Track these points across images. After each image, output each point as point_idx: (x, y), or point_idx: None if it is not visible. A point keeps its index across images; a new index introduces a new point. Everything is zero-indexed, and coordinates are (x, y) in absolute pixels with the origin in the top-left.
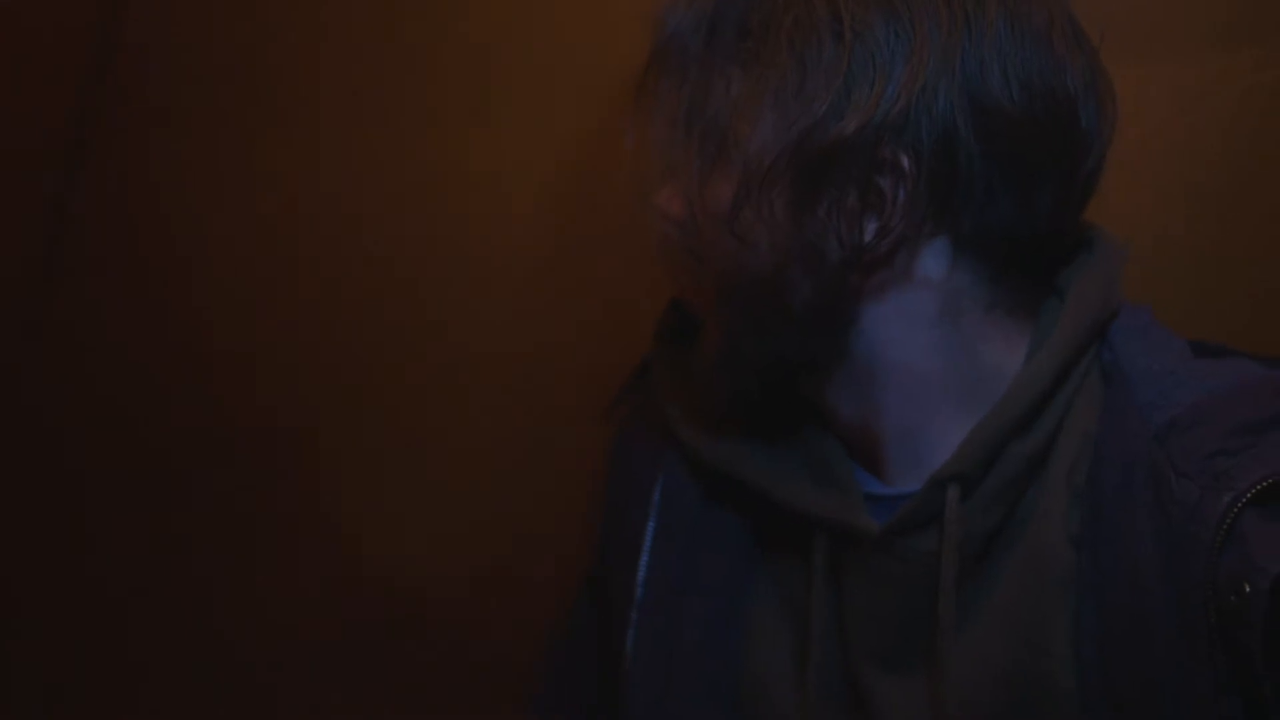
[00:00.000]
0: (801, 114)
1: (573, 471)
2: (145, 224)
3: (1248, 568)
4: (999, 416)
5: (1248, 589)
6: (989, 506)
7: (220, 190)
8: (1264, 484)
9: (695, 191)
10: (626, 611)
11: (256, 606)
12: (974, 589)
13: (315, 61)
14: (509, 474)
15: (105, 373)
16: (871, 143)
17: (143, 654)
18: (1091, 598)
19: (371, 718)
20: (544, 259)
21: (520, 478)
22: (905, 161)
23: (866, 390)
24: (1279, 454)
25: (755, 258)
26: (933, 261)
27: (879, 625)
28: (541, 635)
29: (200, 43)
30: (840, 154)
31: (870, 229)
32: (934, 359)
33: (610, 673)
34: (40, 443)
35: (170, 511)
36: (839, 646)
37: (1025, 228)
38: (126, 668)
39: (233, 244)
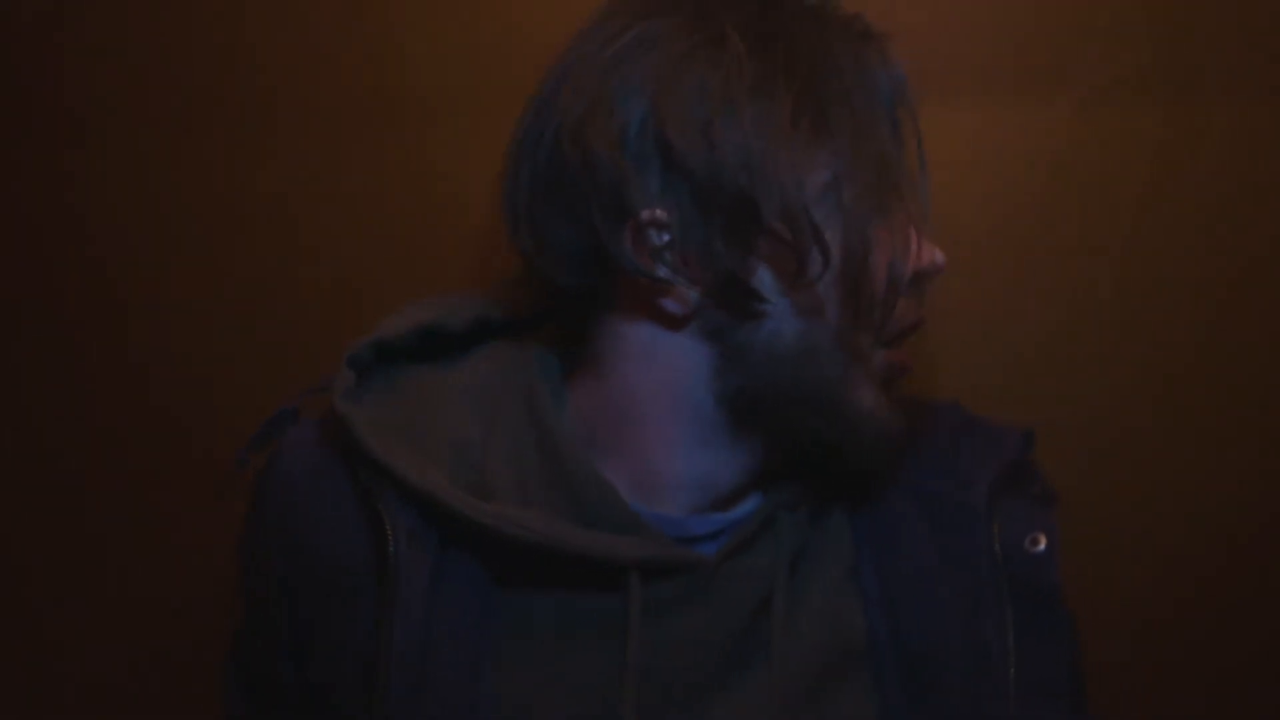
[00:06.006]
0: None
1: None
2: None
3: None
4: None
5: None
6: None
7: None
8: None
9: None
10: (376, 676)
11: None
12: (790, 590)
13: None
14: None
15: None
16: None
17: None
18: (874, 578)
19: None
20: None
21: None
22: None
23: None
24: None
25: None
26: None
27: (704, 645)
28: None
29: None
30: None
31: None
32: None
33: None
34: None
35: None
36: (653, 681)
37: None
38: None
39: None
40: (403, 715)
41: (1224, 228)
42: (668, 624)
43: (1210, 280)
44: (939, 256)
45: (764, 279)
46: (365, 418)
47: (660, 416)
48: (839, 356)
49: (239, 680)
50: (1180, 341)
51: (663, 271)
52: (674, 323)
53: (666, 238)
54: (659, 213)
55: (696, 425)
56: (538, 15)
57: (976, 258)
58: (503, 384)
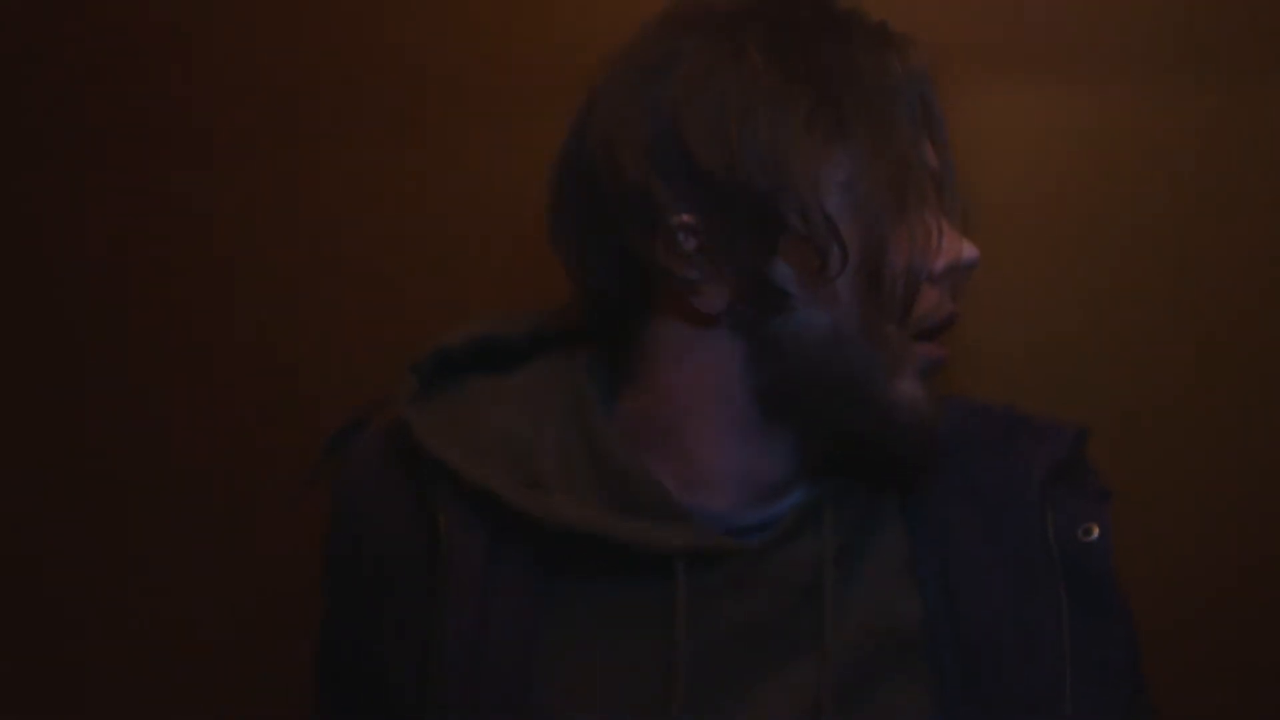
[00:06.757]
0: None
1: None
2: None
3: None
4: None
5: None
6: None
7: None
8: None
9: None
10: (430, 661)
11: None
12: (839, 579)
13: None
14: None
15: None
16: None
17: None
18: (932, 568)
19: None
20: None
21: None
22: None
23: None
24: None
25: None
26: None
27: (751, 634)
28: None
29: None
30: None
31: None
32: None
33: None
34: None
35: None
36: (700, 668)
37: None
38: None
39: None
40: (457, 699)
41: (1272, 214)
42: (714, 613)
43: (1257, 267)
44: (969, 251)
45: (788, 275)
46: (425, 420)
47: (700, 411)
48: (867, 348)
49: (321, 679)
50: (1224, 330)
51: (693, 273)
52: (707, 321)
53: (694, 241)
54: (686, 218)
55: (734, 418)
56: (578, 17)
57: (1016, 251)
58: (553, 387)
